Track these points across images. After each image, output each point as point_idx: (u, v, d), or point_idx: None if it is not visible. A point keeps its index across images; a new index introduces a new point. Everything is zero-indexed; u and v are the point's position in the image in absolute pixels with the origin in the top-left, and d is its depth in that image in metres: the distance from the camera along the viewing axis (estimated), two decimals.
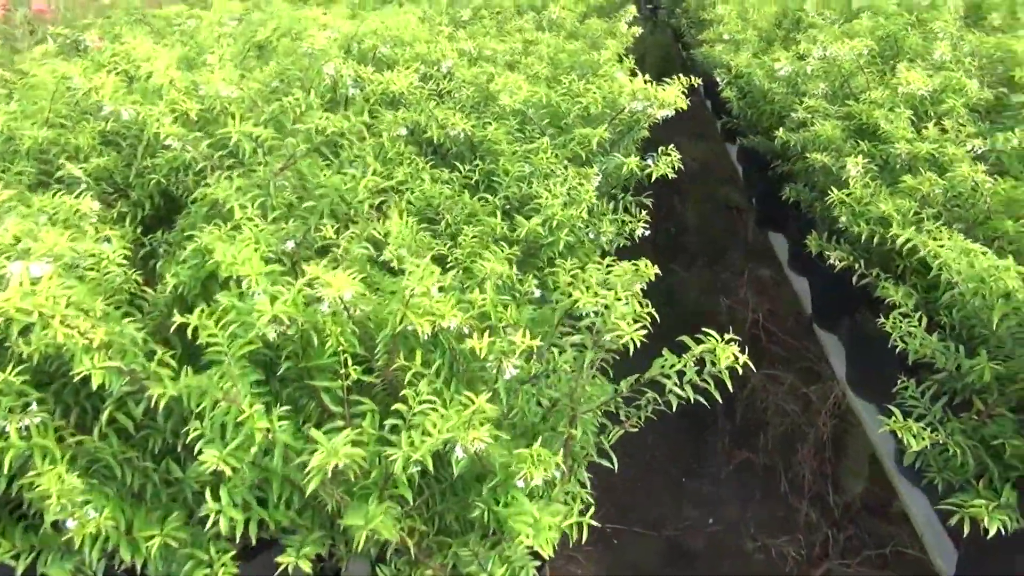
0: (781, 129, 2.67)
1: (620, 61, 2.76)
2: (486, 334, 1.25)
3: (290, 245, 1.54)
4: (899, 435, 1.59)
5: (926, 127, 2.34)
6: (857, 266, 2.14)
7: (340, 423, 1.30)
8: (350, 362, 1.27)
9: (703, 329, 1.24)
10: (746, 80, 3.52)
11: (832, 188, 2.31)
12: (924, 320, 1.84)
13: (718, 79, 3.90)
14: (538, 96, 2.19)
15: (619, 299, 1.23)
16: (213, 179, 1.69)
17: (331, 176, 1.68)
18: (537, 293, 1.74)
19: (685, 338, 1.19)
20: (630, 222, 2.02)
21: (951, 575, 2.22)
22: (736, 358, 1.12)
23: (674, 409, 1.31)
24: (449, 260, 1.67)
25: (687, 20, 6.06)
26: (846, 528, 2.77)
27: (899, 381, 1.77)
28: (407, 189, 1.93)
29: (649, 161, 2.10)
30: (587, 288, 1.36)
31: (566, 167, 2.02)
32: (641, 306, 1.22)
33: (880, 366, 2.61)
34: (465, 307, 1.41)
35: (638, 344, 1.16)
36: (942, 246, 1.62)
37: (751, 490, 2.90)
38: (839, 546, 2.71)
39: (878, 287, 2.07)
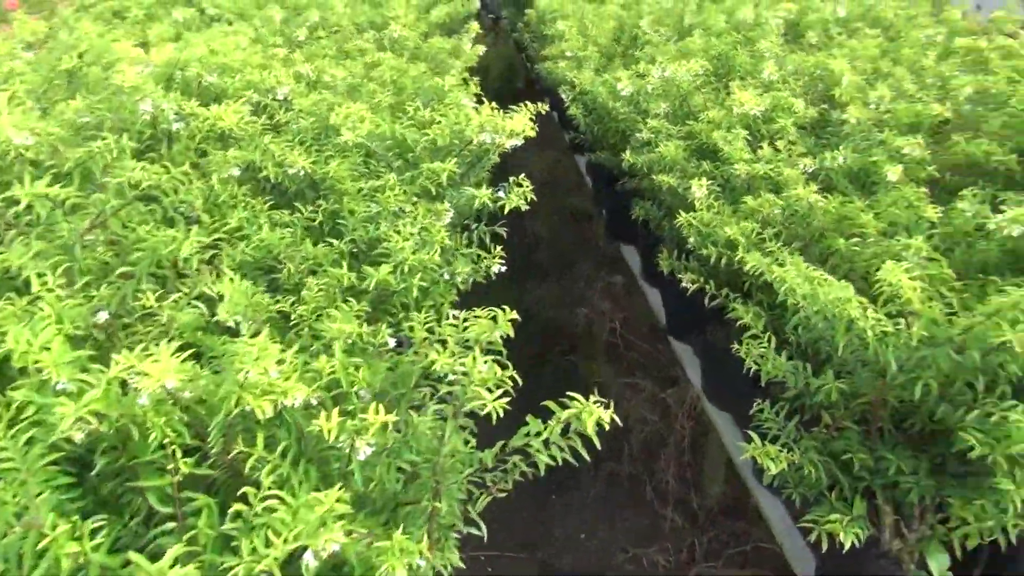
0: (628, 151, 2.70)
1: (465, 84, 2.70)
2: (335, 411, 1.14)
3: (102, 316, 1.35)
4: (759, 461, 1.62)
5: (761, 146, 2.43)
6: (708, 287, 2.19)
7: (171, 524, 1.14)
8: (179, 454, 1.12)
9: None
10: (591, 97, 3.56)
11: (680, 210, 2.35)
12: (773, 339, 1.90)
13: (563, 96, 3.94)
14: (382, 129, 2.09)
15: (478, 363, 1.15)
16: (6, 242, 1.46)
17: (151, 231, 1.50)
18: (392, 343, 1.64)
19: (550, 403, 1.13)
20: (485, 258, 1.95)
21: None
22: (603, 418, 1.07)
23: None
24: (293, 318, 1.53)
25: (529, 34, 6.11)
26: (709, 530, 2.87)
27: (756, 403, 1.81)
28: (243, 237, 1.77)
29: (501, 193, 2.05)
30: (443, 347, 1.28)
31: (415, 204, 1.92)
32: (503, 367, 1.15)
33: (733, 378, 2.71)
34: (312, 376, 1.29)
35: (501, 413, 1.09)
36: (787, 271, 1.67)
37: (619, 501, 2.95)
38: (704, 548, 2.80)
39: (729, 306, 2.13)
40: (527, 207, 2.08)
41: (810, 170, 2.33)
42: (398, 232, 1.75)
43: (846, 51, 3.18)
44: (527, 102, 2.26)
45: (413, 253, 1.71)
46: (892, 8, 4.00)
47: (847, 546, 1.63)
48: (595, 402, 1.09)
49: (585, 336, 4.11)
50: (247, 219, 1.80)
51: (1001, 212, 2.11)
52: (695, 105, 2.88)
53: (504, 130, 1.99)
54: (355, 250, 1.83)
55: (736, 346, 1.81)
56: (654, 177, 2.52)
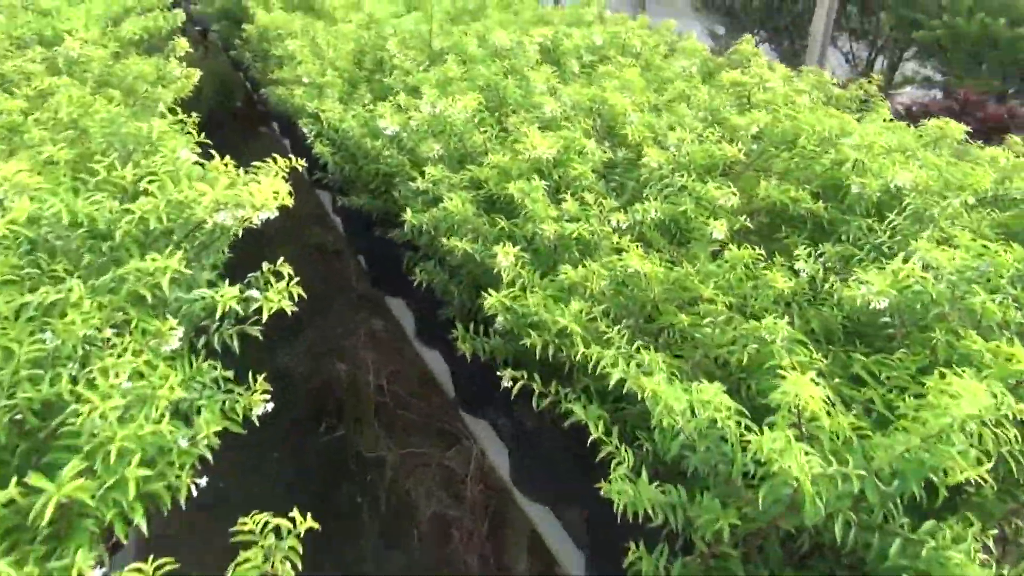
0: (410, 212, 2.19)
1: (182, 127, 2.00)
2: None
3: None
4: None
5: (564, 198, 2.07)
6: (536, 384, 1.75)
7: None
8: None
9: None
10: (341, 134, 3.00)
11: (475, 273, 1.91)
12: (629, 455, 1.51)
13: (305, 130, 3.32)
14: (54, 205, 1.36)
15: None
16: None
17: None
18: (98, 573, 0.99)
19: None
20: (242, 395, 1.33)
21: None
22: None
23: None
24: None
25: (250, 53, 5.32)
26: None
27: (630, 550, 1.41)
28: None
29: (253, 292, 1.43)
30: None
31: (119, 327, 1.25)
32: None
33: (549, 465, 2.33)
34: None
35: None
36: (660, 387, 1.28)
37: None
38: None
39: (561, 404, 1.72)
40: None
41: (624, 226, 2.01)
42: (94, 386, 1.08)
43: (616, 83, 2.96)
44: (273, 160, 1.67)
45: (121, 421, 1.05)
46: (639, 37, 3.93)
47: None
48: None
49: (351, 398, 3.59)
50: None
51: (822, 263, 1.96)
52: (473, 145, 2.45)
53: (251, 204, 1.39)
54: (19, 417, 1.12)
55: (605, 488, 1.38)
56: (444, 240, 2.05)
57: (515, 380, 1.73)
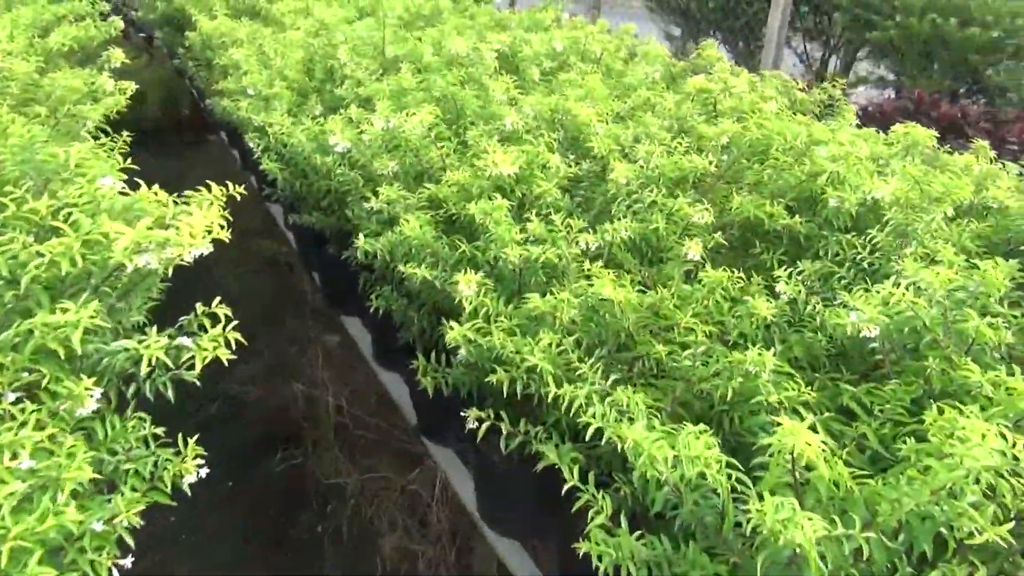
0: (362, 237, 2.04)
1: (108, 152, 1.82)
2: None
3: None
4: None
5: (529, 218, 1.94)
6: (503, 423, 1.62)
7: None
8: None
9: None
10: (290, 150, 2.83)
11: (435, 300, 1.77)
12: (607, 500, 1.38)
13: (251, 144, 3.14)
14: None
15: None
16: None
17: None
18: None
19: None
20: (170, 460, 1.17)
21: None
22: None
23: None
24: None
25: (194, 62, 5.09)
26: None
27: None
28: None
29: (185, 340, 1.27)
30: None
31: (25, 390, 1.08)
32: None
33: (512, 499, 2.20)
34: None
35: None
36: (644, 437, 1.16)
37: None
38: None
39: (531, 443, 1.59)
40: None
41: (593, 247, 1.89)
42: None
43: (580, 92, 2.83)
44: (210, 186, 1.51)
45: (19, 510, 0.89)
46: (599, 42, 3.82)
47: None
48: None
49: (309, 421, 3.44)
50: None
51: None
52: (430, 162, 2.31)
53: (180, 243, 1.23)
54: None
55: (579, 546, 1.26)
56: (401, 268, 1.90)
57: (480, 421, 1.60)
